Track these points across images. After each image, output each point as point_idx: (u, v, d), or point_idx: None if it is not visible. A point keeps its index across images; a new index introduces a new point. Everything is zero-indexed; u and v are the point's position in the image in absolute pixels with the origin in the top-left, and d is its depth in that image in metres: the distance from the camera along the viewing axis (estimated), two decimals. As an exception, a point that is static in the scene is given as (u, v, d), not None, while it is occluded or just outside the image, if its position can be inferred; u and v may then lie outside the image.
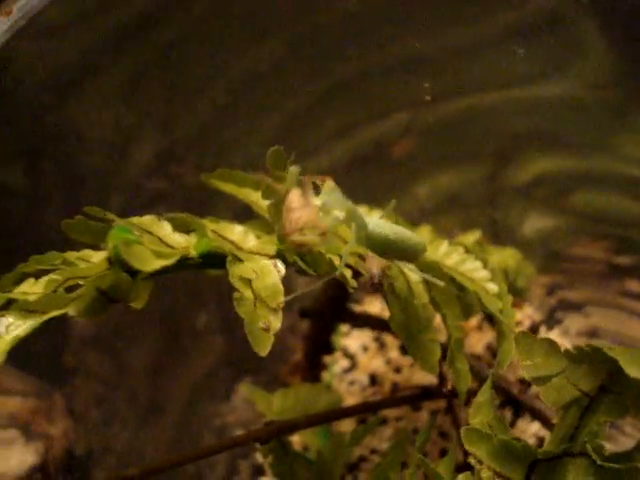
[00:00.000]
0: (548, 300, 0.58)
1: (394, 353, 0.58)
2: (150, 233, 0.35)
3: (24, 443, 0.47)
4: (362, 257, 0.39)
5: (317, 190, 0.34)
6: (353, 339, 0.59)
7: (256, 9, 0.48)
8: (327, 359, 0.59)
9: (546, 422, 0.46)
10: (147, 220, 0.36)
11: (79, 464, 0.49)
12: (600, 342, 0.55)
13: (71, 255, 0.34)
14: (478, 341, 0.57)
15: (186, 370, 0.56)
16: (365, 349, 0.59)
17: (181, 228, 0.37)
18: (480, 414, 0.36)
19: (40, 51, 0.42)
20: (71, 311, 0.32)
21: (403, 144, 0.54)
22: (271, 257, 0.35)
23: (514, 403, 0.50)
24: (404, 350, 0.58)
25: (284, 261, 0.35)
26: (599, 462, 0.33)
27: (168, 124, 0.50)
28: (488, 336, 0.57)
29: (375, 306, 0.59)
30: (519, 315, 0.57)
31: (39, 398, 0.49)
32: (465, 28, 0.48)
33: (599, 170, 0.52)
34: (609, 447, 0.33)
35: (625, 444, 0.51)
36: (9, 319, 0.32)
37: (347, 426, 0.53)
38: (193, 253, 0.34)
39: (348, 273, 0.36)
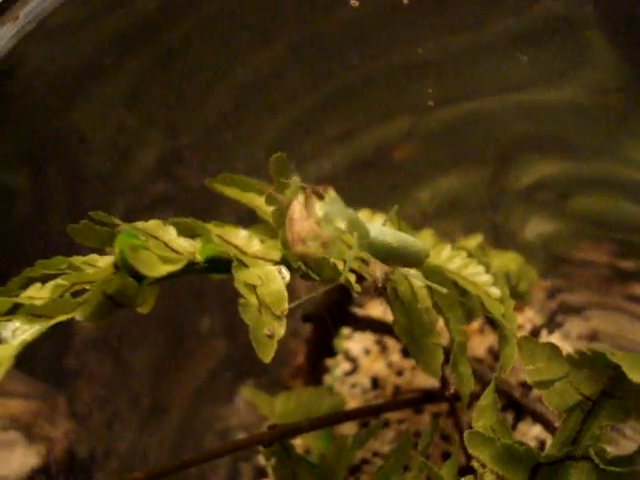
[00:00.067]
0: (549, 304, 0.58)
1: (396, 356, 0.58)
2: (155, 238, 0.35)
3: (26, 445, 0.47)
4: (365, 261, 0.39)
5: (319, 196, 0.35)
6: (355, 342, 0.59)
7: (260, 14, 0.48)
8: (329, 362, 0.59)
9: (547, 425, 0.46)
10: (152, 225, 0.36)
11: (81, 466, 0.49)
12: (602, 346, 0.55)
13: (77, 260, 0.34)
14: (480, 344, 0.57)
15: (189, 373, 0.56)
16: (367, 352, 0.59)
17: (186, 233, 0.37)
18: (483, 418, 0.36)
19: (46, 56, 0.42)
20: (78, 316, 0.32)
21: (405, 148, 0.55)
22: (276, 263, 0.35)
23: (516, 406, 0.51)
24: (406, 353, 0.58)
25: (288, 267, 0.35)
26: (601, 466, 0.33)
27: (172, 128, 0.50)
28: (489, 339, 0.57)
29: (377, 309, 0.60)
30: (520, 319, 0.57)
31: (41, 400, 0.49)
32: (467, 34, 0.48)
33: (601, 174, 0.53)
34: (610, 450, 0.33)
35: (626, 447, 0.51)
36: (16, 324, 0.32)
37: (349, 429, 0.53)
38: (199, 258, 0.34)
39: (352, 278, 0.36)
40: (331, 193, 0.33)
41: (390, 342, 0.59)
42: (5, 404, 0.48)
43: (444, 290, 0.39)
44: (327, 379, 0.58)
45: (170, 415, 0.55)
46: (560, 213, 0.56)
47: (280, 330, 0.32)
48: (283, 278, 0.34)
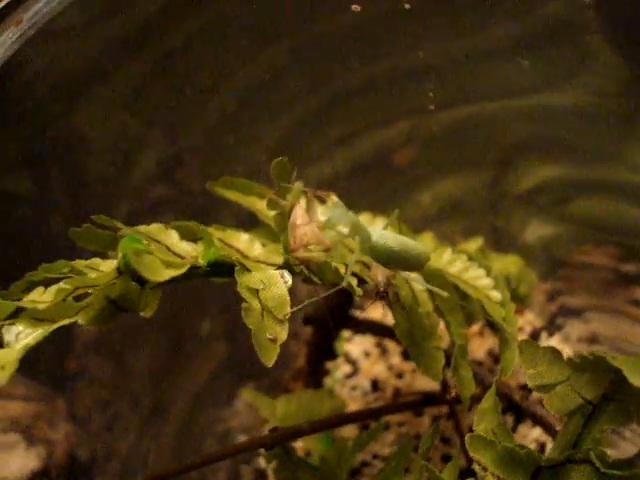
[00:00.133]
0: (549, 306, 0.59)
1: (396, 359, 0.58)
2: (157, 242, 0.36)
3: (26, 448, 0.47)
4: (367, 265, 0.39)
5: (321, 200, 0.35)
6: (355, 345, 0.59)
7: (261, 18, 0.48)
8: (329, 365, 0.59)
9: (548, 428, 0.46)
10: (154, 228, 0.36)
11: (82, 469, 0.49)
12: (601, 349, 0.55)
13: (80, 264, 0.34)
14: (479, 347, 0.57)
15: (189, 376, 0.56)
16: (367, 355, 0.59)
17: (188, 236, 0.37)
18: (484, 421, 0.36)
19: (48, 59, 0.42)
20: (80, 320, 0.32)
21: (406, 152, 0.55)
22: (278, 267, 0.35)
23: (515, 409, 0.51)
24: (406, 356, 0.58)
25: (290, 270, 0.35)
26: (602, 469, 0.33)
27: (173, 131, 0.50)
28: (489, 342, 0.57)
29: (377, 312, 0.60)
30: (520, 321, 0.57)
31: (41, 402, 0.49)
32: (468, 38, 0.48)
33: (601, 178, 0.53)
34: (610, 453, 0.34)
35: (625, 449, 0.51)
36: (19, 327, 0.32)
37: (349, 431, 0.53)
38: (201, 262, 0.34)
39: (354, 281, 0.36)
40: (333, 198, 0.33)
41: (390, 345, 0.59)
42: (5, 406, 0.48)
43: (445, 294, 0.39)
44: (327, 382, 0.58)
45: (170, 418, 0.55)
46: (560, 216, 0.56)
47: (283, 334, 0.32)
48: (285, 282, 0.34)
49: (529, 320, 0.59)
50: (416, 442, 0.44)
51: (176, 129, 0.50)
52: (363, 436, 0.47)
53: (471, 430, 0.36)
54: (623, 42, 0.46)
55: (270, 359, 0.32)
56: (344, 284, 0.35)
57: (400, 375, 0.57)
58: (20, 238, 0.45)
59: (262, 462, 0.55)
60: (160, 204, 0.50)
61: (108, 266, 0.34)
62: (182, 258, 0.35)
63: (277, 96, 0.51)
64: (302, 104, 0.52)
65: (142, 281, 0.32)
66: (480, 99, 0.52)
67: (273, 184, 0.36)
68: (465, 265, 0.43)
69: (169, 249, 0.35)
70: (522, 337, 0.54)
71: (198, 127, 0.51)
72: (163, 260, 0.33)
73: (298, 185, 0.33)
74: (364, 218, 0.46)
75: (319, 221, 0.33)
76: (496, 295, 0.42)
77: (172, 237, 0.36)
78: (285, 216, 0.34)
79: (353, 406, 0.55)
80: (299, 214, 0.32)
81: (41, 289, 0.34)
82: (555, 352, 0.35)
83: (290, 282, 0.34)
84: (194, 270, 0.34)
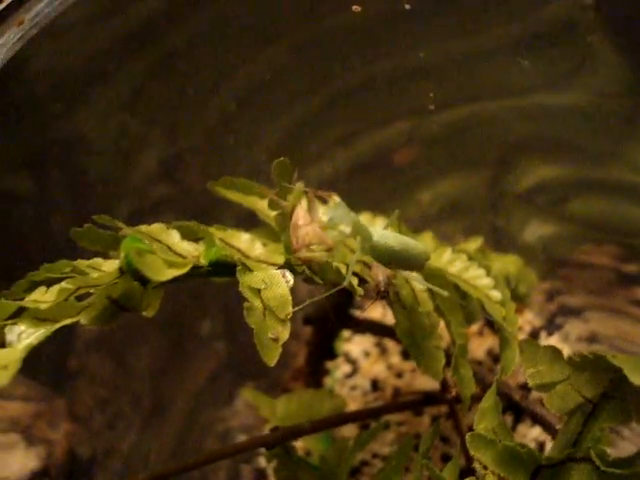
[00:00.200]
0: (548, 306, 0.59)
1: (395, 358, 0.58)
2: (159, 241, 0.36)
3: (25, 447, 0.47)
4: (367, 265, 0.39)
5: (322, 200, 0.35)
6: (355, 344, 0.60)
7: (261, 18, 0.48)
8: (329, 364, 0.59)
9: (547, 427, 0.46)
10: (155, 228, 0.36)
11: (82, 469, 0.50)
12: (601, 349, 0.55)
13: (81, 264, 0.34)
14: (479, 346, 0.57)
15: (189, 375, 0.56)
16: (367, 354, 0.59)
17: (189, 236, 0.37)
18: (485, 420, 0.36)
19: (50, 60, 0.43)
20: (82, 319, 0.32)
21: (406, 151, 0.55)
22: (279, 266, 0.35)
23: (515, 408, 0.51)
24: (405, 355, 0.58)
25: (292, 270, 0.35)
26: (602, 467, 0.33)
27: (174, 131, 0.50)
28: (489, 341, 0.57)
29: (377, 312, 0.60)
30: (519, 321, 0.57)
31: (41, 402, 0.49)
32: (468, 38, 0.49)
33: (601, 177, 0.53)
34: (610, 452, 0.34)
35: (624, 448, 0.51)
36: (21, 327, 0.32)
37: (349, 431, 0.54)
38: (203, 262, 0.34)
39: (355, 281, 0.36)
40: (335, 198, 0.33)
41: (390, 344, 0.59)
42: (5, 406, 0.48)
43: (445, 293, 0.39)
44: (327, 381, 0.58)
45: (171, 417, 0.55)
46: (560, 216, 0.56)
47: (284, 334, 0.33)
48: (287, 282, 0.34)
49: (528, 319, 0.59)
50: (416, 441, 0.44)
51: (177, 129, 0.50)
52: (363, 436, 0.47)
53: (471, 429, 0.36)
54: (623, 42, 0.46)
55: (272, 359, 0.32)
56: (345, 284, 0.35)
57: (400, 375, 0.57)
58: (21, 238, 0.46)
59: (262, 461, 0.55)
60: (161, 204, 0.51)
61: (110, 266, 0.34)
62: (184, 258, 0.35)
63: (277, 96, 0.51)
64: (302, 104, 0.52)
65: (144, 281, 0.32)
66: (480, 99, 0.52)
67: (273, 184, 0.36)
68: (465, 265, 0.43)
69: (170, 249, 0.35)
70: (521, 336, 0.55)
71: (198, 127, 0.51)
72: (165, 260, 0.33)
73: (299, 185, 0.33)
74: (364, 218, 0.46)
75: (321, 221, 0.33)
76: (496, 294, 0.42)
77: (173, 237, 0.36)
78: (286, 216, 0.35)
79: (353, 406, 0.55)
80: (301, 214, 0.32)
81: (43, 289, 0.34)
82: (555, 351, 0.35)
83: (292, 282, 0.34)
84: (195, 270, 0.34)
